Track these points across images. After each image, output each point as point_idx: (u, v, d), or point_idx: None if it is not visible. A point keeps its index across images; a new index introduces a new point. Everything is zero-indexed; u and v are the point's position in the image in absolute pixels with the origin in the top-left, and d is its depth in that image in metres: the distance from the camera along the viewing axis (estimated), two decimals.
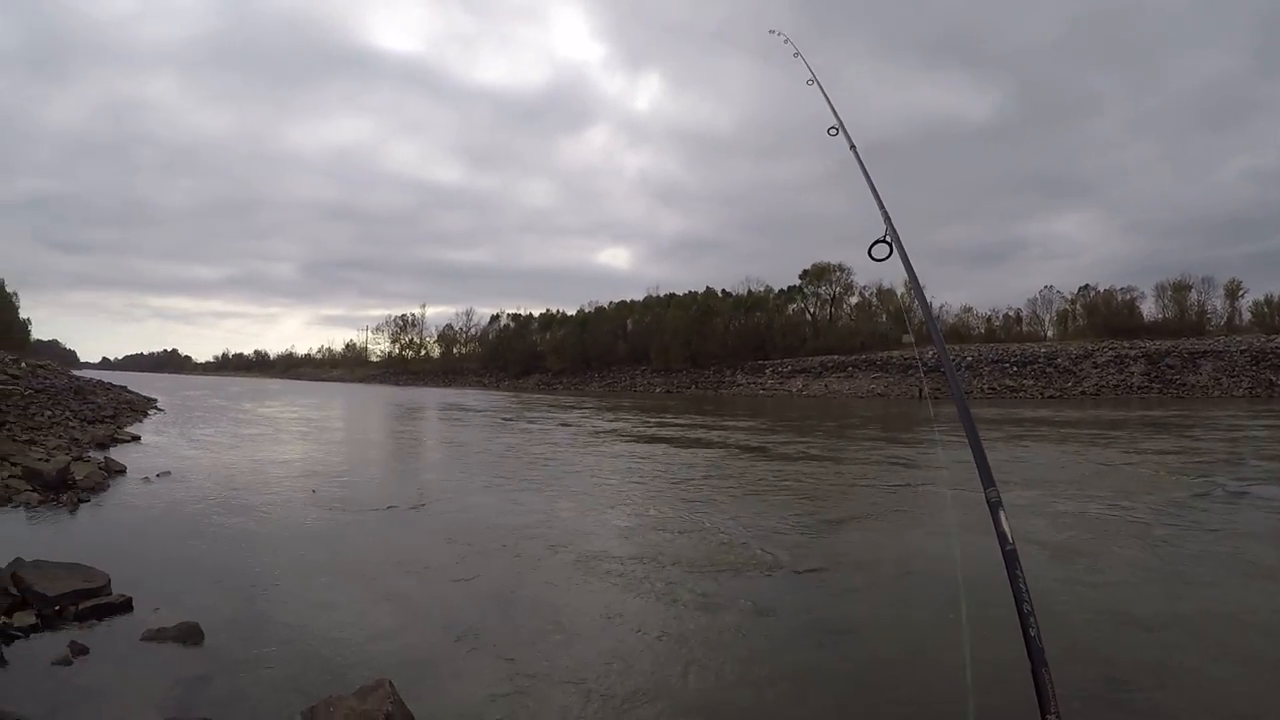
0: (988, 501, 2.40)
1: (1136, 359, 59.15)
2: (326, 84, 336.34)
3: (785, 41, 6.26)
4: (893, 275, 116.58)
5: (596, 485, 14.06)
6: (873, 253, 3.67)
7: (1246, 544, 9.23)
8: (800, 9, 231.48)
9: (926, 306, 3.69)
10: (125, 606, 6.32)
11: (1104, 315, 73.67)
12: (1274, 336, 60.06)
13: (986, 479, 2.49)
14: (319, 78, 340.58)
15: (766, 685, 5.22)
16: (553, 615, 6.59)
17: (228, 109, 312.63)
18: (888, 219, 3.88)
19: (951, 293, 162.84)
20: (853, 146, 4.67)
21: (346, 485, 13.60)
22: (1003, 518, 2.32)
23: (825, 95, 5.31)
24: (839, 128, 4.90)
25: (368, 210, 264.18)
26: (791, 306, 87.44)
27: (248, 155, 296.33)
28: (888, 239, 3.70)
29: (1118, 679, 5.17)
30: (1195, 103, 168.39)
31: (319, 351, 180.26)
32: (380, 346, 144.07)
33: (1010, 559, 2.21)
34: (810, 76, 5.62)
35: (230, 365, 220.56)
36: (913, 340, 74.34)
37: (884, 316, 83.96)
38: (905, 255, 3.70)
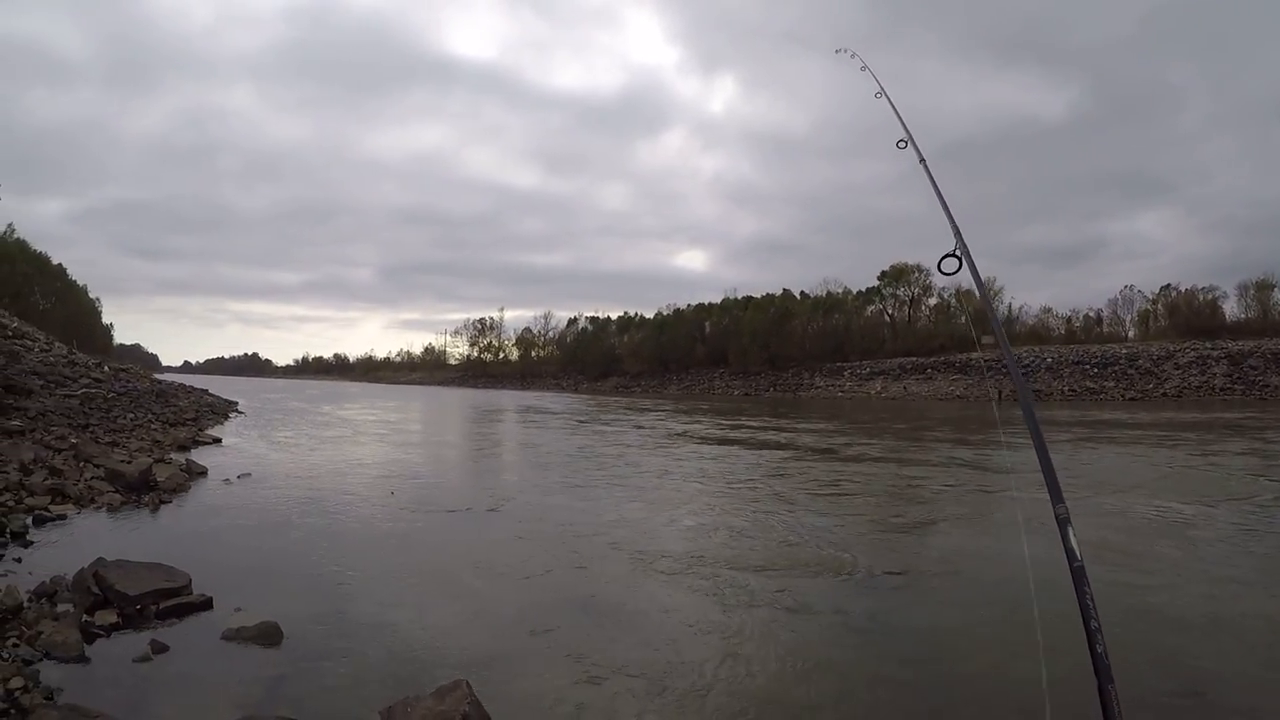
0: (1056, 518, 2.43)
1: (1219, 360, 57.97)
2: (403, 91, 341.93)
3: (852, 56, 6.26)
4: (967, 277, 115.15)
5: (668, 487, 14.07)
6: (942, 267, 3.70)
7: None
8: (871, 9, 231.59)
9: (997, 321, 3.73)
10: (206, 605, 6.41)
11: (1185, 315, 71.99)
12: None
13: (1055, 495, 2.52)
14: (396, 84, 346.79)
15: (830, 688, 5.28)
16: (625, 616, 6.67)
17: (306, 116, 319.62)
18: (958, 232, 3.90)
19: (1031, 293, 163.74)
20: (922, 160, 4.62)
21: (424, 487, 13.80)
22: (1071, 534, 2.36)
23: (894, 108, 5.31)
24: (908, 140, 4.87)
25: (445, 214, 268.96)
26: (870, 308, 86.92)
27: (326, 161, 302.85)
28: (957, 253, 3.70)
29: (1187, 689, 5.19)
30: (1275, 96, 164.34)
31: (398, 355, 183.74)
32: (459, 350, 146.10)
33: (1078, 575, 2.24)
34: (879, 89, 5.64)
35: (310, 369, 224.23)
36: (989, 343, 73.92)
37: (963, 318, 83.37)
38: (975, 269, 3.73)
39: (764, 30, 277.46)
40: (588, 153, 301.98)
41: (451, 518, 11.10)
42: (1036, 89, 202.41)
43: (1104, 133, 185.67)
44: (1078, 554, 2.30)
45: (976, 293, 3.90)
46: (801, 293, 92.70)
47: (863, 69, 6.06)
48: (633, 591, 7.46)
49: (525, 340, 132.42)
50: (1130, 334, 78.04)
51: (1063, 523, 2.41)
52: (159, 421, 21.90)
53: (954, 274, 3.71)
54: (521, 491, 13.80)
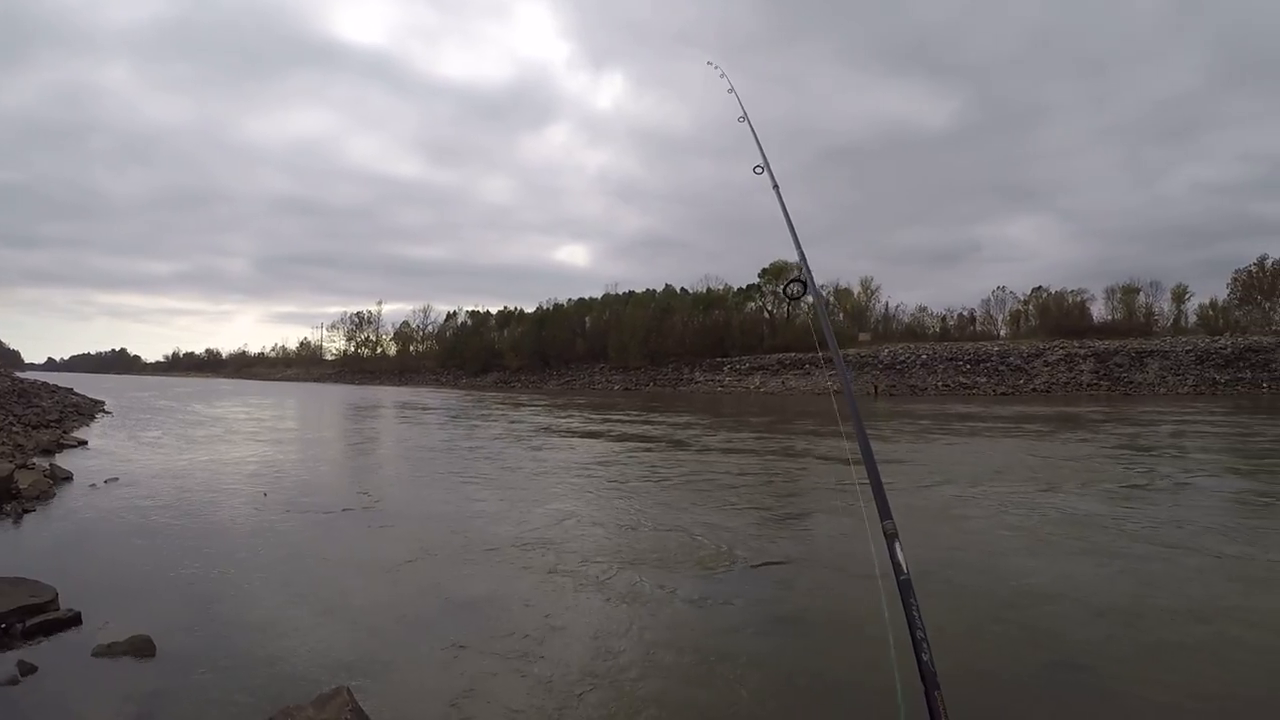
0: (885, 534, 2.50)
1: (1086, 358, 61.01)
2: (287, 75, 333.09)
3: (721, 75, 6.35)
4: (850, 276, 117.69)
5: (541, 483, 14.16)
6: (787, 290, 3.89)
7: (1191, 532, 9.63)
8: (765, 15, 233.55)
9: (834, 342, 3.58)
10: (74, 621, 6.13)
11: (1055, 316, 75.90)
12: (1217, 338, 62.62)
13: (884, 511, 2.58)
14: (279, 68, 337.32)
15: (712, 676, 5.29)
16: (507, 614, 6.62)
17: (185, 97, 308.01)
18: (803, 258, 4.05)
19: (908, 292, 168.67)
20: (775, 186, 4.76)
21: (298, 487, 13.53)
22: (898, 549, 2.43)
23: (754, 133, 5.37)
24: (764, 167, 4.96)
25: (325, 204, 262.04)
26: (750, 305, 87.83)
27: (204, 146, 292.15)
28: (802, 278, 3.88)
29: (1061, 661, 5.43)
30: (1149, 116, 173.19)
31: (272, 350, 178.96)
32: (335, 344, 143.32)
33: (904, 588, 2.31)
34: (742, 114, 5.67)
35: (181, 365, 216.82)
36: (865, 339, 75.23)
37: (841, 315, 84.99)
38: (818, 293, 3.91)
39: (656, 30, 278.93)
40: (473, 144, 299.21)
41: (327, 518, 10.91)
42: (923, 99, 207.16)
43: (985, 143, 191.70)
44: (904, 568, 2.37)
45: (820, 319, 3.90)
46: (682, 288, 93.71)
47: (730, 91, 6.09)
48: (509, 588, 7.42)
49: (403, 335, 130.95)
50: (1002, 332, 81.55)
51: (890, 538, 2.48)
52: (20, 424, 21.23)
53: (799, 298, 3.91)
54: (397, 490, 13.78)
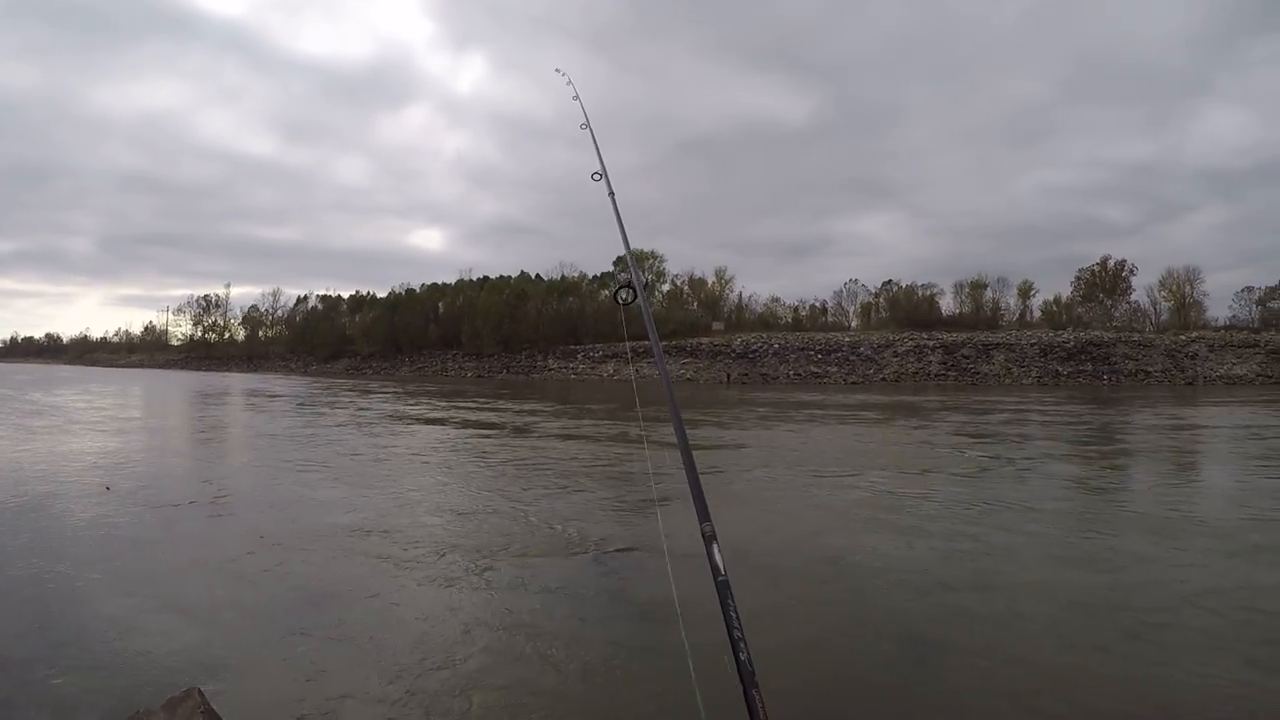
0: (703, 535, 2.43)
1: (935, 349, 62.83)
2: (138, 42, 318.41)
3: (568, 83, 6.39)
4: (704, 265, 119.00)
5: (391, 471, 14.07)
6: (618, 296, 4.01)
7: (1031, 516, 10.13)
8: (628, 4, 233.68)
9: (659, 347, 3.73)
10: None
11: (905, 308, 78.27)
12: (1060, 332, 65.60)
13: (702, 513, 2.51)
14: (131, 35, 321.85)
15: (565, 664, 5.29)
16: (353, 605, 6.56)
17: (30, 65, 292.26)
18: (632, 264, 4.46)
19: (761, 283, 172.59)
20: (611, 194, 4.91)
21: (143, 480, 13.05)
22: (716, 551, 2.37)
23: (595, 142, 5.46)
24: (602, 174, 5.06)
25: (174, 182, 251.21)
26: (605, 292, 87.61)
27: (48, 116, 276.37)
28: (633, 284, 4.02)
29: (910, 648, 5.44)
30: (1002, 121, 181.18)
31: (116, 335, 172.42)
32: (182, 329, 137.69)
33: (722, 589, 2.24)
34: (584, 121, 5.76)
35: (19, 350, 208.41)
36: (718, 328, 75.60)
37: (695, 304, 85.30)
38: (646, 301, 4.03)
39: (519, 14, 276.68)
40: (329, 123, 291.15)
41: (174, 512, 10.53)
42: (782, 95, 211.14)
43: (841, 140, 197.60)
44: (722, 570, 2.31)
45: (647, 323, 3.83)
46: (538, 275, 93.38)
47: (575, 98, 6.20)
48: (354, 578, 7.38)
49: (252, 319, 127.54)
50: (854, 324, 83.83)
51: (708, 539, 2.43)
52: None
53: (629, 304, 4.01)
54: (242, 481, 13.45)
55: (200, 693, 4.11)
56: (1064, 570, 7.75)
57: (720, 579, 2.27)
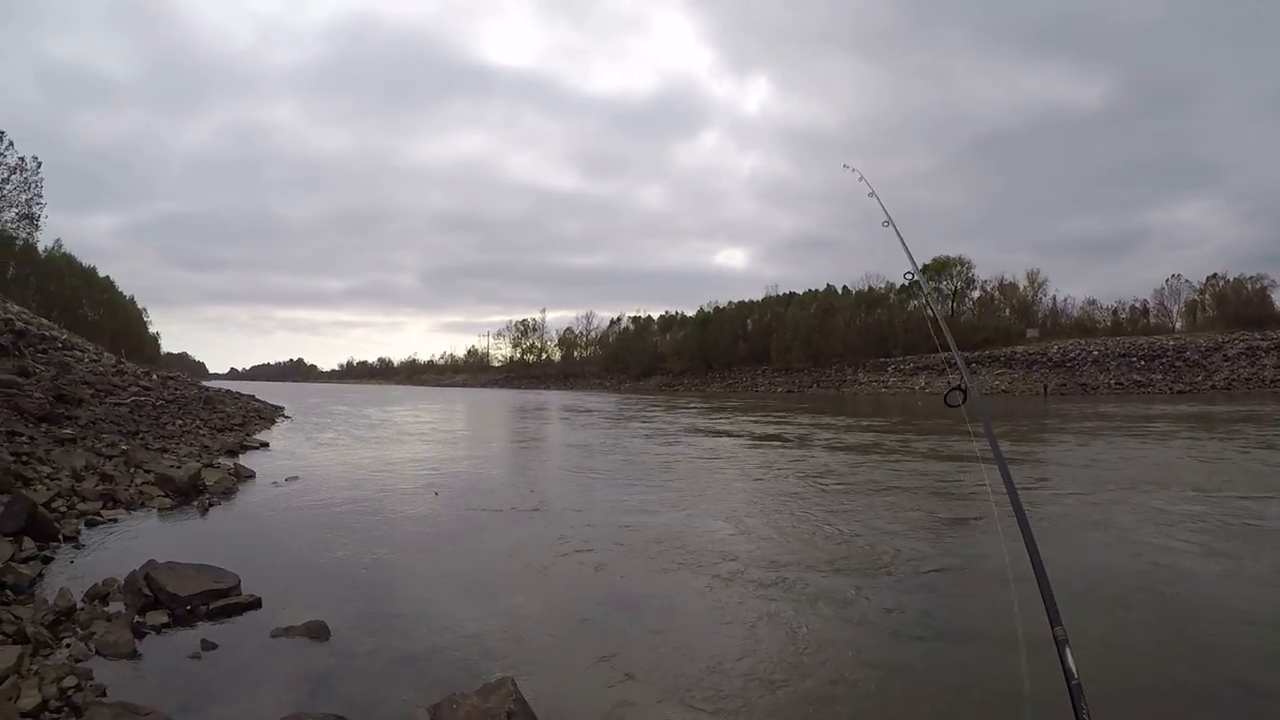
0: (1055, 639, 2.46)
1: (1269, 351, 57.90)
2: (443, 100, 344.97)
3: (860, 179, 6.34)
4: (1011, 268, 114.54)
5: (712, 485, 14.11)
6: (948, 400, 3.97)
7: None
8: (898, 7, 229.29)
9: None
10: (254, 605, 6.46)
11: (1234, 305, 71.28)
12: None
13: (1054, 617, 2.52)
14: (435, 94, 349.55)
15: (871, 686, 5.24)
16: (671, 615, 6.64)
17: (348, 128, 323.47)
18: (959, 359, 4.34)
19: (1074, 285, 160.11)
20: (926, 301, 4.79)
21: (468, 487, 13.76)
22: (1069, 654, 2.39)
23: (901, 239, 5.50)
24: (913, 272, 5.25)
25: (486, 219, 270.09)
26: (913, 302, 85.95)
27: (370, 171, 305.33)
28: (963, 386, 3.90)
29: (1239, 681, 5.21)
30: None
31: (441, 357, 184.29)
32: (501, 351, 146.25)
33: (1076, 694, 2.29)
34: (886, 219, 5.69)
35: (354, 373, 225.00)
36: (1033, 335, 72.99)
37: (1007, 311, 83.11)
38: (967, 393, 3.91)
39: (793, 31, 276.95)
40: (626, 155, 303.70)
41: (495, 517, 11.10)
42: (1069, 79, 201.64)
43: (1140, 122, 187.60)
44: (1075, 674, 2.33)
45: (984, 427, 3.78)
46: (844, 288, 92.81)
47: (871, 195, 6.16)
48: (678, 591, 7.40)
49: (567, 341, 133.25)
50: (1177, 325, 77.68)
51: (1061, 644, 2.43)
52: (207, 427, 21.93)
53: (959, 406, 3.95)
54: (565, 491, 13.79)
55: (513, 682, 4.40)
56: None
57: (1074, 683, 2.32)
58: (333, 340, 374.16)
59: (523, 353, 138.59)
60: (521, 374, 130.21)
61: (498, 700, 4.25)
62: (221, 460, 16.06)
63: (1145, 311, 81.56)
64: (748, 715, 4.82)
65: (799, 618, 6.55)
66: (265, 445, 21.33)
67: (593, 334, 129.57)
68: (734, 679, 5.28)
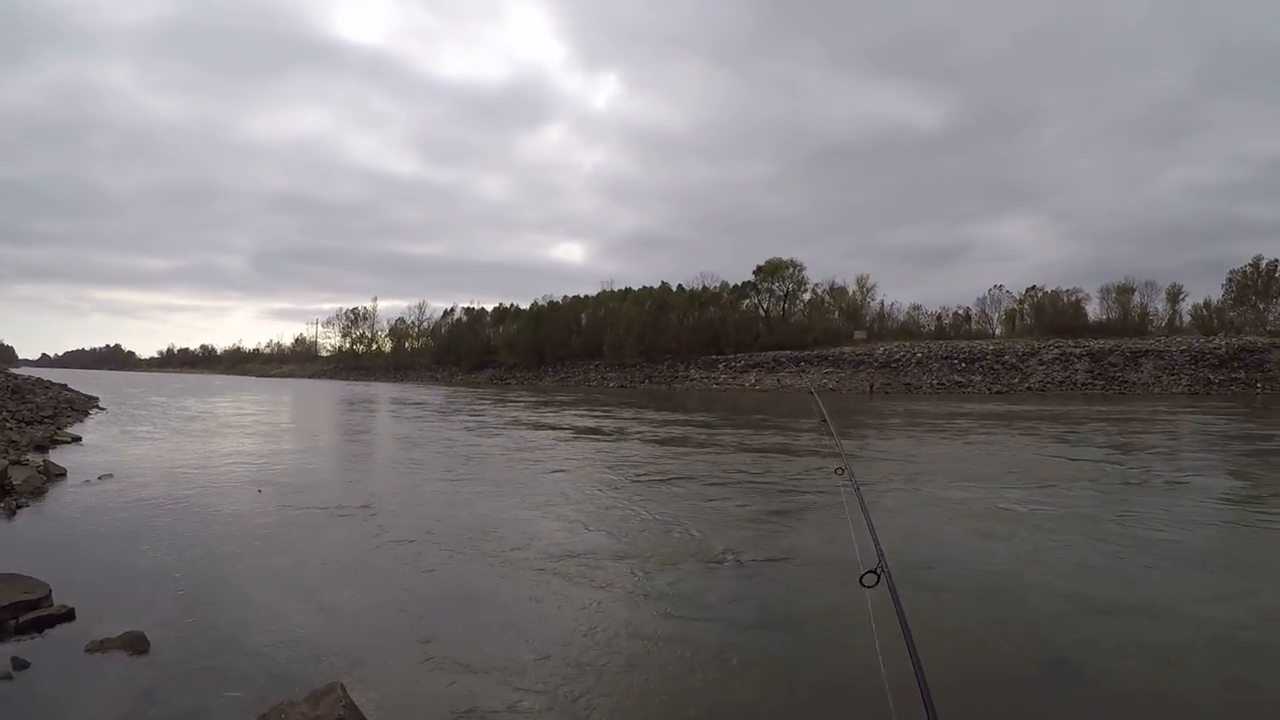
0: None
1: (1081, 357, 61.26)
2: (287, 74, 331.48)
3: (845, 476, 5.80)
4: (845, 274, 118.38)
5: (540, 479, 14.24)
6: (863, 580, 3.55)
7: (1181, 532, 9.87)
8: (756, 17, 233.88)
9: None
10: (68, 617, 6.11)
11: (1050, 315, 76.21)
12: (1211, 338, 63.02)
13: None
14: (280, 67, 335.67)
15: (714, 676, 5.30)
16: (503, 612, 6.65)
17: (186, 96, 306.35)
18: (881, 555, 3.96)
19: (902, 291, 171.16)
20: (893, 590, 4.07)
21: (292, 484, 13.49)
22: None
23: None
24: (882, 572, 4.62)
25: (322, 201, 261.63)
26: (745, 302, 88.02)
27: (204, 143, 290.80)
28: (879, 570, 3.54)
29: (1054, 659, 5.56)
30: (1138, 118, 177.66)
31: (267, 346, 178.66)
32: (330, 341, 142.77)
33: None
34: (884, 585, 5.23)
35: (175, 361, 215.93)
36: (860, 337, 75.07)
37: (836, 313, 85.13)
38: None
39: (649, 31, 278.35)
40: (470, 143, 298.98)
41: (322, 515, 10.84)
42: (912, 100, 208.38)
43: (977, 144, 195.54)
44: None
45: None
46: (678, 286, 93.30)
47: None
48: (510, 588, 7.41)
49: (398, 331, 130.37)
50: (997, 331, 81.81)
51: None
52: (14, 420, 20.89)
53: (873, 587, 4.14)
54: (393, 487, 13.61)
55: (342, 687, 4.34)
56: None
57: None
58: (154, 325, 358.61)
59: (352, 343, 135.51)
60: (351, 365, 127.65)
61: (327, 707, 4.17)
62: (30, 456, 15.20)
63: (968, 318, 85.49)
64: (585, 705, 4.88)
65: (626, 607, 6.77)
66: (78, 440, 20.48)
67: (425, 325, 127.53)
68: (567, 668, 5.39)
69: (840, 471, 4.68)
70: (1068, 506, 11.49)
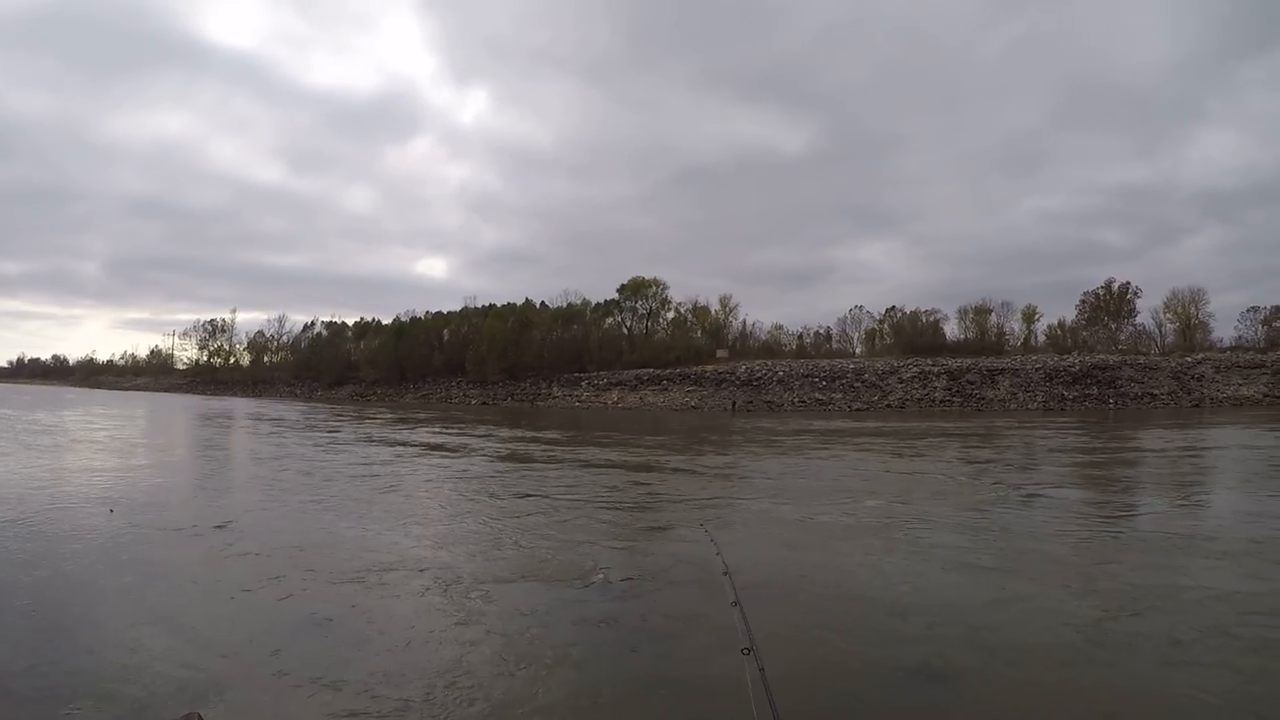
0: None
1: (939, 375, 62.31)
2: (152, 74, 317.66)
3: (718, 554, 5.59)
4: (706, 293, 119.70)
5: (397, 498, 14.03)
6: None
7: (1035, 542, 10.34)
8: (624, 37, 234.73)
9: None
10: None
11: (910, 334, 78.18)
12: (1065, 356, 65.52)
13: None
14: (145, 67, 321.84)
15: (569, 681, 5.42)
16: (364, 633, 6.53)
17: (47, 92, 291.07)
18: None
19: (764, 311, 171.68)
20: (761, 669, 3.63)
21: (145, 502, 13.13)
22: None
23: (744, 618, 4.33)
24: (750, 648, 3.90)
25: (182, 207, 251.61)
26: (609, 320, 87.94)
27: (61, 141, 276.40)
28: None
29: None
30: (994, 149, 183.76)
31: (122, 358, 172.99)
32: (187, 353, 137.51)
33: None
34: (734, 599, 4.56)
35: (26, 372, 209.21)
36: (723, 355, 75.21)
37: (699, 332, 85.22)
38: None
39: (517, 48, 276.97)
40: (336, 153, 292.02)
41: (177, 536, 10.56)
42: (776, 125, 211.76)
43: (838, 169, 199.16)
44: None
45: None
46: (542, 303, 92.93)
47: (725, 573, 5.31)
48: (370, 608, 7.31)
49: (257, 345, 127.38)
50: (858, 350, 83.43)
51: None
52: None
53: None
54: (250, 507, 13.26)
55: (199, 716, 4.00)
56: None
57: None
58: (3, 333, 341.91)
59: (210, 355, 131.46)
60: (208, 378, 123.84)
61: None
62: None
63: (829, 337, 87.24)
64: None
65: (494, 627, 6.71)
66: None
67: (285, 339, 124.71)
68: (435, 693, 5.23)
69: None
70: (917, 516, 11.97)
